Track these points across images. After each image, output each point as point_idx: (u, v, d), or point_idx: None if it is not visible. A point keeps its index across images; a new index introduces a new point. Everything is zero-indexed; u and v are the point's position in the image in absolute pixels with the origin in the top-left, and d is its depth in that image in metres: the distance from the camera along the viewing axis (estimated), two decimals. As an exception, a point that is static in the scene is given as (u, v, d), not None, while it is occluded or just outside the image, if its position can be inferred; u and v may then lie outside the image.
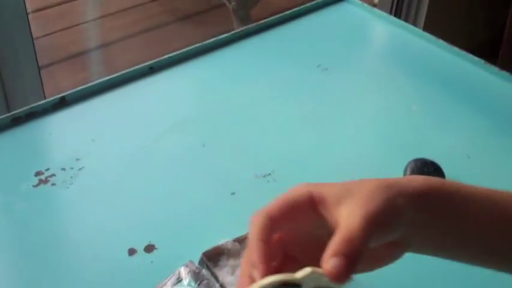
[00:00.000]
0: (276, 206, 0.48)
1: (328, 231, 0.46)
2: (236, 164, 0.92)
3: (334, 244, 0.43)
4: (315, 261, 0.44)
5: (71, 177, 0.88)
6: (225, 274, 0.69)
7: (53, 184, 0.86)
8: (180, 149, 0.95)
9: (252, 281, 0.45)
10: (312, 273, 0.42)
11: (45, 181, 0.87)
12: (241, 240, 0.73)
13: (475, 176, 0.89)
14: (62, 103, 1.02)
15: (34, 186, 0.86)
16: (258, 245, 0.46)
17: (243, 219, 0.80)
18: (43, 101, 1.01)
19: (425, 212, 0.47)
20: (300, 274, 0.42)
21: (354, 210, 0.45)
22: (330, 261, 0.42)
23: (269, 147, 0.96)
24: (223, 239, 0.72)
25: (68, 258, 0.76)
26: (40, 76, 1.76)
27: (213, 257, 0.71)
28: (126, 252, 0.76)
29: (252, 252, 0.46)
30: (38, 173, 0.88)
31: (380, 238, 0.46)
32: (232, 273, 0.70)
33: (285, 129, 1.00)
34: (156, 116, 1.02)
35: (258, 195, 0.86)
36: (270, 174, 0.90)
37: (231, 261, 0.71)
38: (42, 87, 1.77)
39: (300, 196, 0.48)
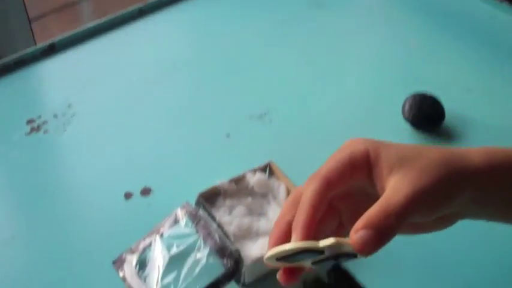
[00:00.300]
0: (333, 169, 0.45)
1: (375, 194, 0.45)
2: (231, 105, 0.90)
3: (369, 215, 0.41)
4: (357, 216, 0.42)
5: (64, 124, 0.86)
6: (222, 214, 0.69)
7: (46, 131, 0.85)
8: (173, 92, 0.93)
9: (289, 228, 0.44)
10: (336, 243, 0.40)
11: (38, 129, 0.85)
12: (237, 181, 0.72)
13: (474, 109, 0.88)
14: (52, 49, 0.99)
15: (26, 134, 0.85)
16: (309, 211, 0.44)
17: (239, 159, 0.80)
18: (32, 48, 0.98)
19: (484, 190, 0.44)
20: (323, 243, 0.41)
21: (402, 184, 0.42)
22: (359, 232, 0.41)
23: (264, 87, 0.94)
24: (220, 180, 0.71)
25: (65, 205, 0.75)
26: (31, 28, 1.72)
27: (210, 198, 0.70)
28: (122, 196, 0.75)
29: (300, 213, 0.44)
30: (29, 121, 0.87)
31: (426, 216, 0.44)
32: (229, 213, 0.69)
33: (280, 69, 0.98)
34: (147, 59, 1.00)
35: (253, 135, 0.85)
36: (265, 114, 0.88)
37: (228, 202, 0.70)
38: (34, 40, 1.73)
39: (357, 155, 0.45)
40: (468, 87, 0.93)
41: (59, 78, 0.96)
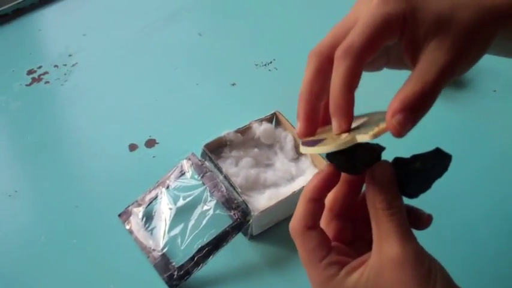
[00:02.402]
0: (366, 40, 0.41)
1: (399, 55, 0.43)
2: (235, 53, 0.88)
3: (405, 96, 0.39)
4: None
5: (65, 74, 0.84)
6: (228, 165, 0.68)
7: (47, 82, 0.83)
8: (176, 40, 0.90)
9: (318, 101, 0.44)
10: (373, 137, 0.39)
11: (39, 79, 0.84)
12: (243, 131, 0.70)
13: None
14: (50, -3, 0.97)
15: (27, 85, 0.83)
16: (346, 97, 0.41)
17: (244, 109, 0.78)
18: (29, -4, 0.96)
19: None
20: (361, 139, 0.40)
21: (438, 56, 0.40)
22: (396, 117, 0.39)
23: (269, 34, 0.92)
24: (225, 131, 0.70)
25: (68, 157, 0.74)
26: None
27: (215, 149, 0.69)
28: (127, 148, 0.74)
29: (339, 98, 0.41)
30: (30, 72, 0.85)
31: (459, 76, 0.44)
32: (236, 164, 0.68)
33: (285, 16, 0.95)
34: (148, 6, 0.97)
35: (259, 84, 0.83)
36: (271, 62, 0.86)
37: (234, 152, 0.69)
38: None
39: (393, 19, 0.41)
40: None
41: (59, 27, 0.93)
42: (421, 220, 0.44)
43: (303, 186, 0.64)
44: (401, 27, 0.41)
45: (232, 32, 0.92)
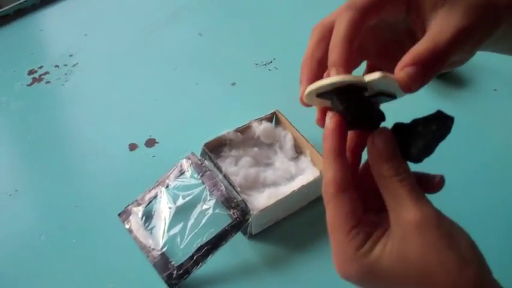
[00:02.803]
0: None
1: (409, 32, 0.43)
2: (235, 52, 0.88)
3: (416, 52, 0.40)
4: (386, 52, 0.42)
5: (66, 74, 0.85)
6: (227, 165, 0.68)
7: (48, 82, 0.83)
8: (176, 40, 0.91)
9: (320, 66, 0.43)
10: (382, 78, 0.39)
11: (39, 79, 0.84)
12: (242, 131, 0.71)
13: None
14: (51, -3, 0.97)
15: (28, 85, 0.83)
16: (346, 46, 0.41)
17: (244, 109, 0.78)
18: (31, -4, 0.96)
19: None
20: (369, 78, 0.39)
21: (448, 22, 0.41)
22: (406, 69, 0.39)
23: (269, 34, 0.92)
24: (225, 130, 0.70)
25: (68, 156, 0.74)
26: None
27: (215, 148, 0.69)
28: (127, 148, 0.74)
29: (337, 49, 0.41)
30: (31, 72, 0.85)
31: (467, 53, 0.44)
32: (236, 163, 0.68)
33: (284, 15, 0.95)
34: (149, 6, 0.97)
35: (259, 84, 0.83)
36: (271, 62, 0.86)
37: (234, 152, 0.69)
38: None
39: None
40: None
41: (60, 27, 0.94)
42: (431, 184, 0.44)
43: (303, 185, 0.64)
44: None
45: (232, 31, 0.92)
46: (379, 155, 0.41)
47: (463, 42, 0.41)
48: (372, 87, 0.40)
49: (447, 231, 0.39)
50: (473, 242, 0.40)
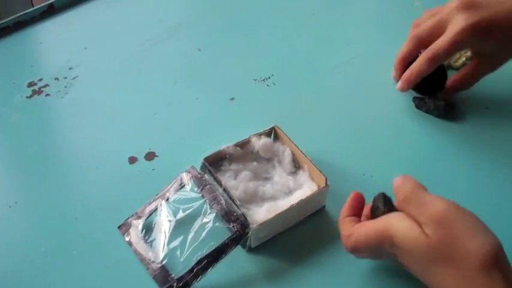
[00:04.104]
0: (448, 50, 0.76)
1: None
2: (234, 68, 0.89)
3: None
4: None
5: (65, 86, 0.85)
6: (227, 179, 0.69)
7: (47, 95, 0.84)
8: (176, 54, 0.92)
9: (404, 68, 0.81)
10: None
11: (39, 92, 0.85)
12: (242, 145, 0.72)
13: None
14: (51, 10, 0.98)
15: (28, 97, 0.84)
16: (412, 79, 0.79)
17: (243, 123, 0.79)
18: (31, 9, 0.97)
19: None
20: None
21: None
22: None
23: (267, 49, 0.93)
24: (224, 144, 0.71)
25: (68, 169, 0.75)
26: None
27: (215, 162, 0.70)
28: (126, 161, 0.75)
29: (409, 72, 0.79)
30: (30, 84, 0.86)
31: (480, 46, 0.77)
32: (235, 177, 0.69)
33: (283, 31, 0.97)
34: (149, 21, 0.98)
35: (258, 99, 0.84)
36: (269, 77, 0.87)
37: (233, 166, 0.70)
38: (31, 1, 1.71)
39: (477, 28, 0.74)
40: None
41: (59, 40, 0.94)
42: None
43: (301, 200, 0.65)
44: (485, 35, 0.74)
45: (231, 47, 0.93)
46: None
47: (463, 42, 0.75)
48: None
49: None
50: None
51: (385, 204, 0.58)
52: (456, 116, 0.81)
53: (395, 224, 0.55)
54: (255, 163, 0.71)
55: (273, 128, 0.73)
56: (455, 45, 0.73)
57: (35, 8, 0.97)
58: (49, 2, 0.98)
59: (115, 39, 0.94)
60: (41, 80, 0.86)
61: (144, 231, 0.66)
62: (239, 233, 0.63)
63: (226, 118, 0.81)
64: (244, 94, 0.85)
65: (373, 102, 0.84)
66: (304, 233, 0.67)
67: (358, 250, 0.59)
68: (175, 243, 0.64)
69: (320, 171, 0.68)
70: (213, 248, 0.62)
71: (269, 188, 0.69)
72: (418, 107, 0.81)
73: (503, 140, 0.78)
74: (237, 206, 0.64)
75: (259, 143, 0.72)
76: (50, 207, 0.70)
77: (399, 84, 0.80)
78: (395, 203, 0.58)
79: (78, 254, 0.65)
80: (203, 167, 0.69)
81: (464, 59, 0.87)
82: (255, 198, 0.68)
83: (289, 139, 0.72)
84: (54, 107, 0.83)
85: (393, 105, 0.83)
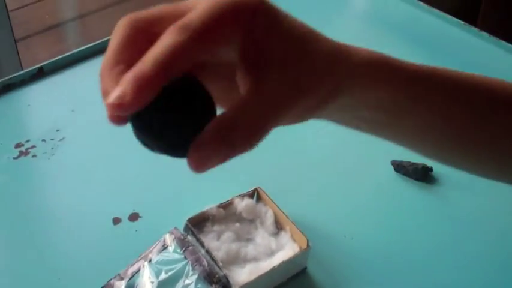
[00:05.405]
0: (207, 19, 0.34)
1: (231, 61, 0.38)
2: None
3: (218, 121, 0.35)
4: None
5: (52, 148, 0.87)
6: (210, 240, 0.69)
7: (34, 156, 0.85)
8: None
9: (121, 74, 0.35)
10: None
11: (26, 153, 0.86)
12: (225, 206, 0.73)
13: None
14: (40, 74, 1.00)
15: (15, 158, 0.85)
16: (156, 70, 0.34)
17: (226, 185, 0.80)
18: (20, 72, 0.99)
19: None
20: None
21: (269, 91, 0.36)
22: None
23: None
24: (208, 206, 0.72)
25: (52, 229, 0.76)
26: (17, 49, 1.73)
27: (198, 223, 0.71)
28: (110, 222, 0.76)
29: (143, 68, 0.34)
30: (18, 145, 0.87)
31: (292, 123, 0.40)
32: (218, 238, 0.70)
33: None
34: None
35: (241, 161, 0.85)
36: (252, 140, 0.89)
37: (216, 227, 0.71)
38: (20, 60, 1.74)
39: (242, 7, 0.35)
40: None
41: (48, 102, 0.96)
42: None
43: (283, 261, 0.66)
44: (248, 23, 0.35)
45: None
46: None
47: (279, 120, 0.37)
48: None
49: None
50: None
51: None
52: (434, 178, 0.83)
53: None
54: (237, 224, 0.72)
55: (255, 190, 0.75)
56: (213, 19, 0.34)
57: (25, 71, 0.99)
58: (39, 65, 1.00)
59: (102, 101, 0.96)
60: (28, 141, 0.88)
61: (126, 293, 0.66)
62: (221, 295, 0.63)
63: (210, 179, 0.82)
64: (228, 156, 0.86)
65: (354, 165, 0.86)
66: (286, 295, 0.68)
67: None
68: (158, 304, 0.64)
69: (302, 233, 0.69)
70: (195, 309, 0.63)
71: (251, 250, 0.70)
72: (396, 170, 0.83)
73: (483, 200, 0.80)
74: (219, 268, 0.65)
75: (242, 205, 0.73)
76: (33, 268, 0.70)
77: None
78: None
79: (60, 315, 0.65)
80: (186, 228, 0.70)
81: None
82: (237, 259, 0.68)
83: (272, 200, 0.73)
84: (41, 168, 0.84)
85: (373, 168, 0.85)
